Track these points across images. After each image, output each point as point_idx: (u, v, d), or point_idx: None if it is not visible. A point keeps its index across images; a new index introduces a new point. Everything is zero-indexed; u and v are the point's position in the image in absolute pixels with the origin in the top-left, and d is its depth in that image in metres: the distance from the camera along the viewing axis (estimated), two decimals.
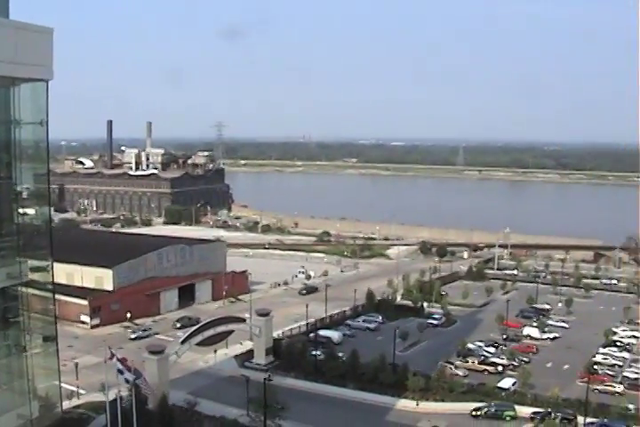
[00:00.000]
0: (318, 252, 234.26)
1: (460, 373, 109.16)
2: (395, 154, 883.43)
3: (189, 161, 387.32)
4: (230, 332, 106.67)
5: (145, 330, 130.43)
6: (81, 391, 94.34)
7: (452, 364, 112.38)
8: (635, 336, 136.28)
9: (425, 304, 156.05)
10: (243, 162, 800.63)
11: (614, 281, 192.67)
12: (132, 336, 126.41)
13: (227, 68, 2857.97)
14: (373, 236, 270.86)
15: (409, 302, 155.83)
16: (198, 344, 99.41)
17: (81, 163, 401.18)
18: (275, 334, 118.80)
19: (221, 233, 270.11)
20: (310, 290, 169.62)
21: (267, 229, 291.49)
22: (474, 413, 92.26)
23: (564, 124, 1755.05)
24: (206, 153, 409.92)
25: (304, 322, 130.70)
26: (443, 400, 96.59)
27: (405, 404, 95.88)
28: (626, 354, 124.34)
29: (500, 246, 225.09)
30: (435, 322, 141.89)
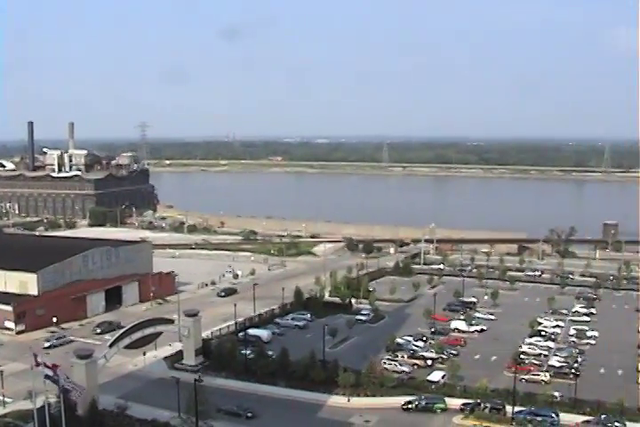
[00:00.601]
0: (245, 251, 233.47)
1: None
2: (320, 151, 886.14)
3: (113, 162, 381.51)
4: (159, 334, 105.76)
5: (59, 338, 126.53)
6: (7, 400, 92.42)
7: (396, 360, 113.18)
8: (559, 326, 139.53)
9: (353, 301, 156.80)
10: (167, 162, 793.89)
11: (538, 273, 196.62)
12: (46, 345, 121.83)
13: (154, 68, 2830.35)
14: (300, 234, 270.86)
15: (337, 299, 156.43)
16: (127, 347, 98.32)
17: (1, 165, 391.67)
18: (204, 335, 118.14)
19: (147, 234, 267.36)
20: (229, 292, 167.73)
21: (193, 229, 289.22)
22: (405, 406, 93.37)
23: (486, 120, 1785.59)
24: (130, 154, 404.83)
25: (233, 322, 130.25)
26: (374, 395, 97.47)
27: (337, 400, 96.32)
28: (551, 343, 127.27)
29: (426, 241, 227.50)
30: (363, 318, 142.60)
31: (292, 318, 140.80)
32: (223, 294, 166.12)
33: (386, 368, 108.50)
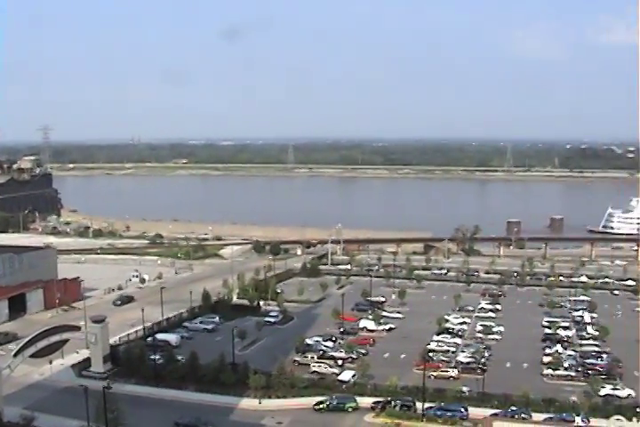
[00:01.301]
0: (152, 255, 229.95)
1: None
2: (225, 153, 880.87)
3: (14, 166, 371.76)
4: (65, 341, 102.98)
5: None
6: None
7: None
8: (465, 323, 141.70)
9: (261, 303, 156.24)
10: (71, 166, 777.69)
11: (444, 271, 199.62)
12: None
13: (55, 67, 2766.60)
14: (206, 236, 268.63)
15: (245, 302, 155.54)
16: (32, 356, 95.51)
17: None
18: (112, 341, 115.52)
19: (51, 240, 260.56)
20: (125, 300, 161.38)
21: (98, 233, 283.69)
22: (316, 407, 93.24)
23: (391, 121, 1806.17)
24: (32, 157, 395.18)
25: (141, 327, 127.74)
26: (285, 396, 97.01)
27: (248, 403, 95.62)
28: (458, 340, 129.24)
29: (333, 242, 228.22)
30: (272, 320, 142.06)
31: (201, 322, 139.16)
32: (119, 302, 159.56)
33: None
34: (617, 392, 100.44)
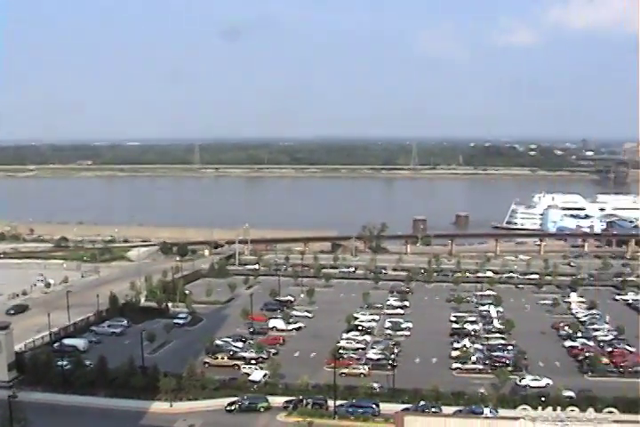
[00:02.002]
0: (57, 258, 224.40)
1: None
2: (131, 154, 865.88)
3: None
4: None
5: None
6: None
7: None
8: (374, 320, 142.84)
9: (170, 304, 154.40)
10: None
11: (352, 269, 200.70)
12: None
13: None
14: (112, 239, 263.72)
15: (154, 304, 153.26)
16: None
17: None
18: (17, 348, 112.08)
19: None
20: (19, 309, 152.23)
21: (0, 237, 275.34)
22: (228, 408, 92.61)
23: (297, 120, 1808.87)
24: None
25: (47, 332, 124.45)
26: (196, 399, 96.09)
27: (159, 406, 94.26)
28: (367, 337, 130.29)
29: (241, 242, 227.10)
30: (181, 322, 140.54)
31: (109, 326, 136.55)
32: (12, 311, 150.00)
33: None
34: (536, 382, 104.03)
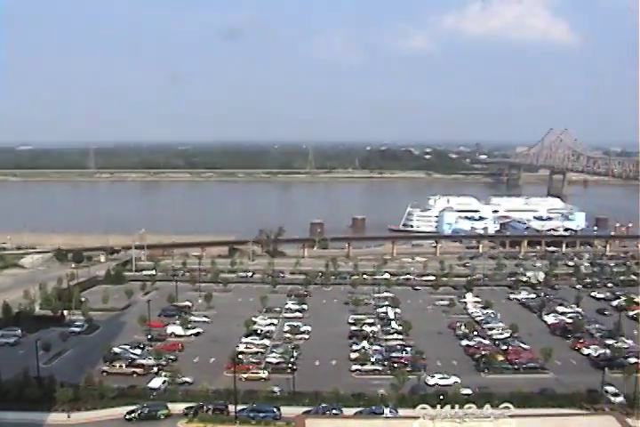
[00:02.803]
0: None
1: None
2: (23, 159, 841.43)
3: None
4: None
5: None
6: None
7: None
8: (273, 324, 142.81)
9: (65, 312, 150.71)
10: None
11: (250, 273, 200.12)
12: None
13: None
14: (5, 246, 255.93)
15: (49, 312, 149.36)
16: None
17: None
18: None
19: None
20: None
21: None
22: (127, 416, 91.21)
23: (194, 124, 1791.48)
24: None
25: None
26: (94, 408, 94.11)
27: (56, 417, 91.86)
28: (266, 341, 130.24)
29: (137, 248, 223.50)
30: (77, 330, 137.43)
31: (2, 336, 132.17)
32: None
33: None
34: (444, 381, 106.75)
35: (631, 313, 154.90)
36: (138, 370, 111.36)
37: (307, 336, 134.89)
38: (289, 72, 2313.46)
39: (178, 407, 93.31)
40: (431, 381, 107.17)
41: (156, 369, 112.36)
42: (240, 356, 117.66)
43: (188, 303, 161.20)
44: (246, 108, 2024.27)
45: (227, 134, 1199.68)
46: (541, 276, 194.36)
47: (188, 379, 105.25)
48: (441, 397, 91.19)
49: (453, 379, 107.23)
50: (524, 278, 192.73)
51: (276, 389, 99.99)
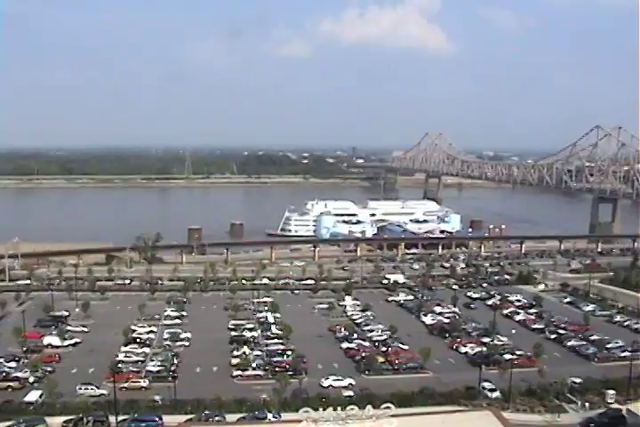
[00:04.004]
0: None
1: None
2: None
3: None
4: None
5: None
6: None
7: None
8: (152, 331, 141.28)
9: None
10: None
11: (128, 281, 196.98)
12: None
13: None
14: None
15: None
16: None
17: None
18: None
19: None
20: None
21: None
22: None
23: (67, 129, 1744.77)
24: None
25: None
26: None
27: None
28: (146, 349, 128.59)
29: (10, 257, 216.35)
30: None
31: None
32: None
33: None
34: (339, 382, 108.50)
35: (505, 311, 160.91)
36: (13, 384, 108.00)
37: (187, 343, 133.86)
38: (167, 75, 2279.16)
39: (56, 421, 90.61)
40: (325, 383, 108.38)
41: (32, 382, 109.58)
42: (119, 365, 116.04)
43: (64, 313, 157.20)
44: (122, 114, 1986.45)
45: (104, 140, 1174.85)
46: (401, 278, 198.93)
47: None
48: (323, 399, 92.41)
49: (348, 380, 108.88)
50: (384, 281, 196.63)
51: (157, 397, 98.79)
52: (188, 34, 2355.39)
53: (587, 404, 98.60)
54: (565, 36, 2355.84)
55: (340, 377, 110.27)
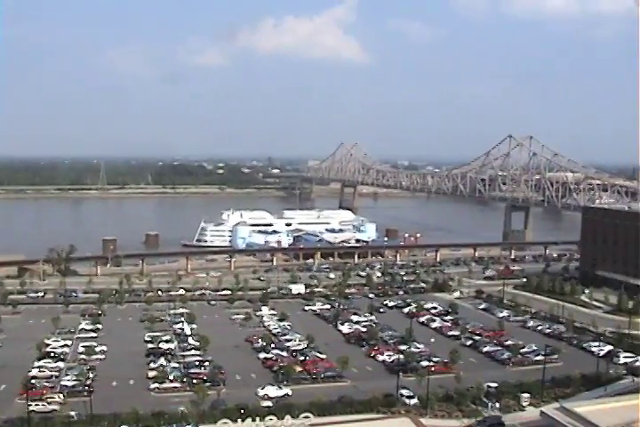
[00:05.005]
0: None
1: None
2: None
3: None
4: None
5: None
6: None
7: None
8: (67, 345, 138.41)
9: None
10: None
11: (41, 294, 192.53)
12: None
13: None
14: None
15: None
16: None
17: None
18: None
19: None
20: None
21: None
22: None
23: None
24: None
25: None
26: None
27: None
28: (61, 364, 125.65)
29: None
30: None
31: None
32: None
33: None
34: (276, 392, 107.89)
35: (421, 319, 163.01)
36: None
37: (102, 356, 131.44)
38: (75, 82, 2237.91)
39: None
40: (261, 392, 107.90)
41: None
42: (33, 381, 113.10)
43: None
44: (33, 124, 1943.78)
45: (14, 150, 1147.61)
46: (302, 288, 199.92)
47: None
48: (242, 410, 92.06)
49: (285, 390, 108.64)
50: (285, 291, 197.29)
51: (72, 413, 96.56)
52: (104, 42, 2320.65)
53: (497, 405, 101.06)
54: (476, 47, 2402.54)
55: (277, 387, 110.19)
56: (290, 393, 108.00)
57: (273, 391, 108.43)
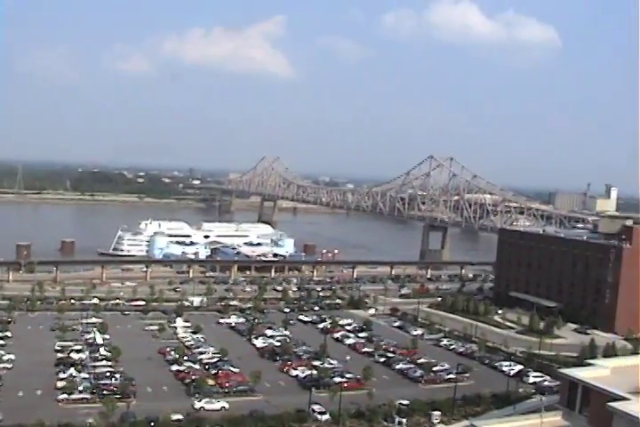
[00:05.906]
0: None
1: None
2: None
3: None
4: None
5: None
6: None
7: None
8: None
9: None
10: None
11: None
12: None
13: None
14: None
15: None
16: None
17: None
18: None
19: None
20: None
21: None
22: None
23: None
24: None
25: None
26: None
27: None
28: None
29: None
30: None
31: None
32: None
33: None
34: (211, 405, 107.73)
35: (336, 335, 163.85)
36: None
37: (9, 366, 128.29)
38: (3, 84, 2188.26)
39: None
40: (197, 404, 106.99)
41: None
42: None
43: None
44: None
45: None
46: (200, 300, 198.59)
47: None
48: (151, 423, 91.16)
49: (220, 404, 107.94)
50: (187, 303, 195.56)
51: None
52: (31, 44, 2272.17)
53: (405, 422, 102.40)
54: (402, 69, 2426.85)
55: (212, 400, 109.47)
56: (227, 407, 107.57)
57: (209, 404, 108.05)
